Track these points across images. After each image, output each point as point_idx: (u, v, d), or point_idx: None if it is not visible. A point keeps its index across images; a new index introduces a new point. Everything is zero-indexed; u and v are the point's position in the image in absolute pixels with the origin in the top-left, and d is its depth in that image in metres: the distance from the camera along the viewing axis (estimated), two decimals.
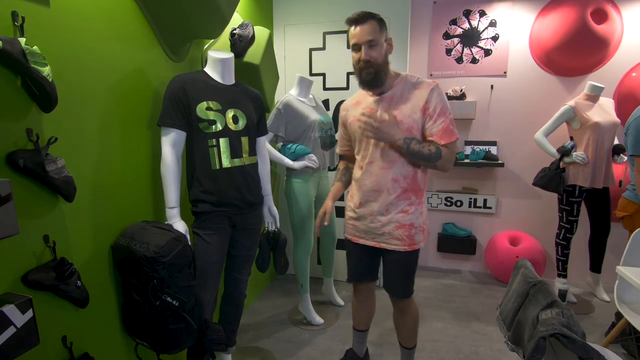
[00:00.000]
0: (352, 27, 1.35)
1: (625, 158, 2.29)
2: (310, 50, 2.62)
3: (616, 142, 2.36)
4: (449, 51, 2.85)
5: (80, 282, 1.08)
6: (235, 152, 1.44)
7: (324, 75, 2.63)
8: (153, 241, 1.18)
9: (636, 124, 1.88)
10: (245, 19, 2.07)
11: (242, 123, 1.46)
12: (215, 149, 1.39)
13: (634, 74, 2.52)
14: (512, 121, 2.81)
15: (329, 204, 1.58)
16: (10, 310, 0.86)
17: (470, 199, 2.95)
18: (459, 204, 2.98)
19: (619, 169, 2.54)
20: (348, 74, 2.54)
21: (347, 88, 2.57)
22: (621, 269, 1.48)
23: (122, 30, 1.28)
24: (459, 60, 2.84)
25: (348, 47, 1.43)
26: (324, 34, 2.56)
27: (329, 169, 2.36)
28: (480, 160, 2.77)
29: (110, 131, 1.24)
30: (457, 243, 2.95)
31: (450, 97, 2.81)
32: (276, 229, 1.82)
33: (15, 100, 0.93)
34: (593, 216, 2.44)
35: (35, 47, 0.90)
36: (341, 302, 2.47)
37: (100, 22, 1.18)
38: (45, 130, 1.00)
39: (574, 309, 2.33)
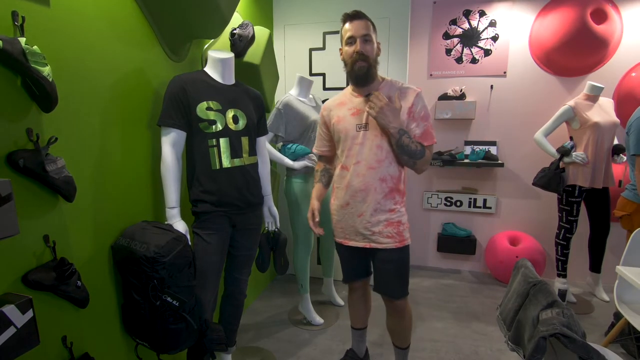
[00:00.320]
0: (348, 23, 1.39)
1: (625, 158, 2.29)
2: (310, 50, 2.62)
3: (616, 142, 2.36)
4: (448, 51, 2.85)
5: (80, 282, 1.08)
6: (235, 152, 1.44)
7: (323, 75, 2.62)
8: (153, 241, 1.18)
9: (638, 123, 1.88)
10: (245, 19, 2.07)
11: (242, 123, 1.46)
12: (215, 149, 1.39)
13: (633, 74, 2.53)
14: (512, 121, 2.82)
15: (315, 204, 1.57)
16: (11, 311, 0.86)
17: (470, 199, 2.95)
18: (458, 204, 2.98)
19: (619, 169, 2.54)
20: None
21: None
22: (621, 269, 1.48)
23: (122, 30, 1.28)
24: (459, 60, 2.84)
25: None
26: (324, 34, 2.56)
27: None
28: (480, 160, 2.77)
29: (110, 131, 1.24)
30: (457, 243, 2.95)
31: (450, 97, 2.81)
32: (276, 229, 1.82)
33: (15, 100, 0.93)
34: (593, 216, 2.44)
35: (35, 47, 0.90)
36: (341, 302, 2.47)
37: (100, 22, 1.18)
38: (45, 130, 1.00)
39: (574, 309, 2.33)
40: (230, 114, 1.43)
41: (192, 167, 1.42)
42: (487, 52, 2.78)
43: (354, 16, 1.38)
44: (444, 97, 2.83)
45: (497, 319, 1.29)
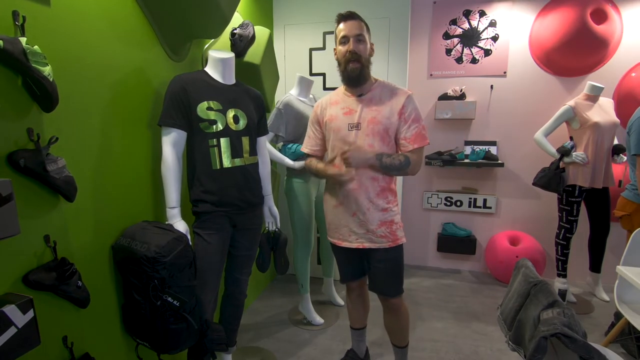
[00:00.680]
0: (342, 23, 1.43)
1: (625, 158, 2.29)
2: (311, 50, 2.62)
3: (616, 142, 2.36)
4: (448, 51, 2.85)
5: (80, 282, 1.08)
6: (236, 152, 1.43)
7: (324, 75, 2.63)
8: (154, 241, 1.18)
9: (638, 123, 1.88)
10: (245, 19, 2.07)
11: (242, 123, 1.46)
12: (216, 148, 1.39)
13: (633, 74, 2.53)
14: (512, 121, 2.82)
15: (330, 167, 1.47)
16: (11, 311, 0.86)
17: (470, 198, 2.95)
18: (458, 203, 2.98)
19: (619, 169, 2.55)
20: None
21: None
22: (621, 269, 1.49)
23: (123, 29, 1.28)
24: (459, 60, 2.84)
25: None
26: (324, 33, 2.56)
27: None
28: (480, 160, 2.77)
29: (111, 131, 1.24)
30: (457, 243, 2.95)
31: (450, 97, 2.81)
32: (276, 229, 1.81)
33: (16, 99, 0.92)
34: (593, 216, 2.44)
35: (36, 47, 0.90)
36: (341, 302, 2.47)
37: (100, 22, 1.18)
38: (46, 130, 1.00)
39: (574, 309, 2.33)
40: (230, 113, 1.43)
41: (193, 167, 1.42)
42: (487, 52, 2.78)
43: (347, 17, 1.41)
44: (444, 97, 2.83)
45: (498, 318, 1.29)
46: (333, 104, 1.52)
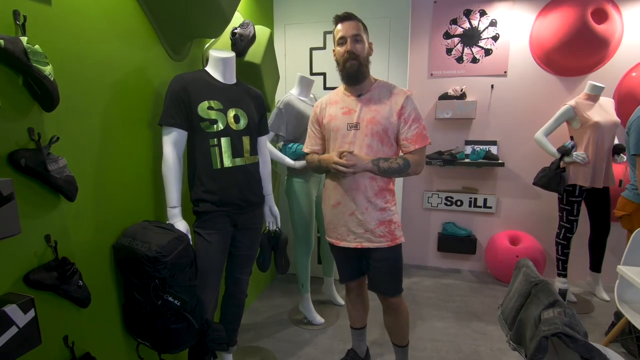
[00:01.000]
0: (339, 24, 1.44)
1: (625, 158, 2.29)
2: (311, 49, 2.61)
3: (616, 141, 2.36)
4: (449, 51, 2.85)
5: (81, 281, 1.07)
6: (236, 152, 1.43)
7: (324, 74, 2.63)
8: (155, 241, 1.17)
9: (638, 123, 1.88)
10: (245, 18, 2.06)
11: (243, 122, 1.46)
12: (216, 148, 1.39)
13: (634, 74, 2.53)
14: (513, 121, 2.82)
15: (332, 154, 1.46)
16: (12, 310, 0.86)
17: (471, 198, 2.95)
18: (459, 203, 2.98)
19: (619, 168, 2.55)
20: None
21: None
22: (622, 269, 1.49)
23: (124, 29, 1.28)
24: (460, 59, 2.84)
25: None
26: (325, 33, 2.56)
27: None
28: (481, 160, 2.77)
29: (111, 130, 1.24)
30: (457, 242, 2.95)
31: (450, 97, 2.81)
32: (277, 229, 1.81)
33: (16, 99, 0.92)
34: (593, 216, 2.44)
35: (36, 46, 0.89)
36: (342, 302, 2.47)
37: (101, 21, 1.18)
38: (46, 130, 1.00)
39: (574, 309, 2.33)
40: (231, 113, 1.43)
41: (194, 167, 1.42)
42: (488, 52, 2.78)
43: (344, 17, 1.43)
44: (445, 96, 2.83)
45: (499, 318, 1.29)
46: (332, 104, 1.53)
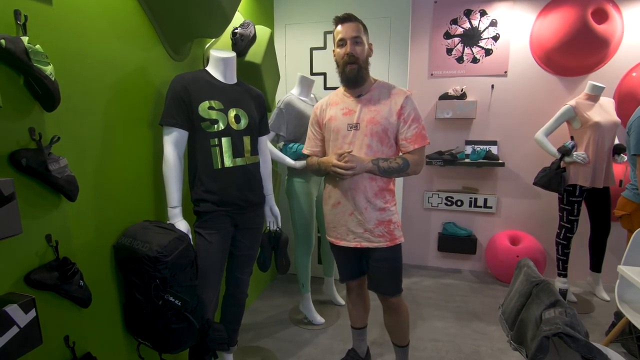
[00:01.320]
0: (339, 25, 1.44)
1: (626, 158, 2.29)
2: (311, 49, 2.61)
3: (616, 141, 2.36)
4: (449, 51, 2.85)
5: (82, 281, 1.07)
6: (237, 152, 1.43)
7: (324, 74, 2.63)
8: (155, 241, 1.17)
9: (638, 123, 1.89)
10: (246, 18, 2.06)
11: (244, 122, 1.46)
12: (217, 148, 1.39)
13: (634, 74, 2.53)
14: (513, 121, 2.82)
15: (331, 157, 1.46)
16: (14, 310, 0.86)
17: (471, 198, 2.95)
18: (459, 203, 2.98)
19: (619, 168, 2.55)
20: None
21: None
22: (622, 268, 1.49)
23: (124, 29, 1.28)
24: (460, 59, 2.84)
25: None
26: (325, 33, 2.56)
27: None
28: (481, 160, 2.77)
29: (112, 130, 1.24)
30: (457, 242, 2.95)
31: (451, 97, 2.81)
32: (278, 229, 1.81)
33: (17, 99, 0.92)
34: (593, 216, 2.44)
35: (37, 46, 0.89)
36: (342, 302, 2.47)
37: (102, 21, 1.18)
38: (47, 130, 1.00)
39: (574, 309, 2.34)
40: (232, 113, 1.43)
41: (194, 167, 1.42)
42: (488, 52, 2.78)
43: (344, 19, 1.43)
44: (445, 96, 2.83)
45: (499, 318, 1.29)
46: (332, 105, 1.53)
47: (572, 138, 2.36)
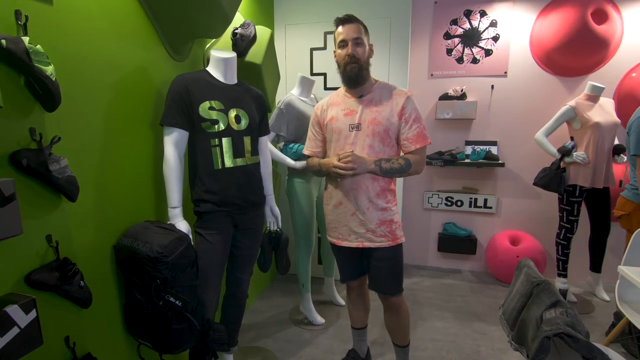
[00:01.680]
0: (340, 26, 1.45)
1: (626, 158, 2.29)
2: (312, 49, 2.61)
3: (616, 142, 2.36)
4: (449, 51, 2.85)
5: (83, 282, 1.07)
6: (237, 152, 1.43)
7: (325, 75, 2.63)
8: (156, 241, 1.17)
9: (638, 123, 1.89)
10: (246, 19, 2.06)
11: (244, 123, 1.46)
12: (217, 148, 1.39)
13: (634, 74, 2.53)
14: (513, 121, 2.82)
15: (332, 158, 1.47)
16: (14, 311, 0.86)
17: (471, 198, 2.95)
18: (459, 203, 2.98)
19: (619, 169, 2.55)
20: None
21: None
22: (622, 269, 1.49)
23: (125, 29, 1.28)
24: (460, 60, 2.84)
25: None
26: (325, 33, 2.56)
27: None
28: (481, 160, 2.77)
29: (113, 130, 1.24)
30: (457, 243, 2.95)
31: (451, 97, 2.81)
32: (278, 229, 1.81)
33: (18, 99, 0.92)
34: (593, 216, 2.44)
35: (38, 46, 0.89)
36: (342, 302, 2.47)
37: (103, 21, 1.18)
38: (48, 130, 1.00)
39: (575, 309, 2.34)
40: (232, 113, 1.43)
41: (195, 167, 1.42)
42: (488, 52, 2.78)
43: (345, 20, 1.43)
44: (445, 97, 2.83)
45: (500, 318, 1.29)
46: (334, 105, 1.53)
47: (572, 138, 2.36)
